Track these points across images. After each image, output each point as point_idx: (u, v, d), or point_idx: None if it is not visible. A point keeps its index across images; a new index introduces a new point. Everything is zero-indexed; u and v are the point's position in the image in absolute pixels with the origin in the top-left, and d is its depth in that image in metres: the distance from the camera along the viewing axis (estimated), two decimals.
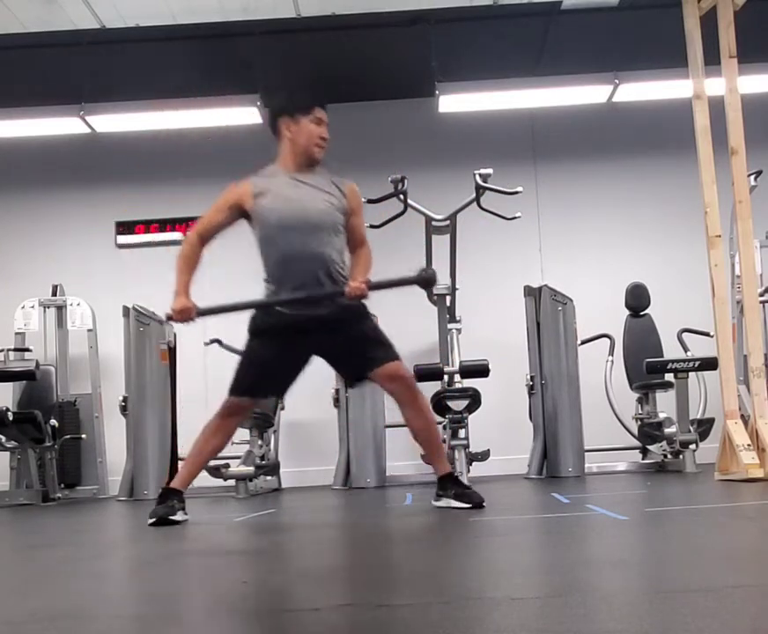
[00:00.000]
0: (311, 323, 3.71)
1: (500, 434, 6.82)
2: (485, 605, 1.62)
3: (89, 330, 7.14)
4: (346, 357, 3.83)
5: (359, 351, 3.77)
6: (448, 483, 3.84)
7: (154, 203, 7.74)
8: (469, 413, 5.91)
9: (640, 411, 6.52)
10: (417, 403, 3.82)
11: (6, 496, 6.17)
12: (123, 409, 6.39)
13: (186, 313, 3.73)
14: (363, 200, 4.02)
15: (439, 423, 6.22)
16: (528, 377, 6.36)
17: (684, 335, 6.68)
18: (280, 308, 3.74)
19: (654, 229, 7.60)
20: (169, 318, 3.81)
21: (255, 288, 3.92)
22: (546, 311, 6.37)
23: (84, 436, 6.82)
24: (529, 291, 6.48)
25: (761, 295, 5.70)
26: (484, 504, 3.73)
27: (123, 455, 6.42)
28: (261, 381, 3.79)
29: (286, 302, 3.74)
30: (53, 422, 6.42)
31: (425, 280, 3.86)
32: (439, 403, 5.89)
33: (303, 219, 3.70)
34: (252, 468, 5.73)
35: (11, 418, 5.90)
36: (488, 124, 7.50)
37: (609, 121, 7.56)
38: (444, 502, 3.83)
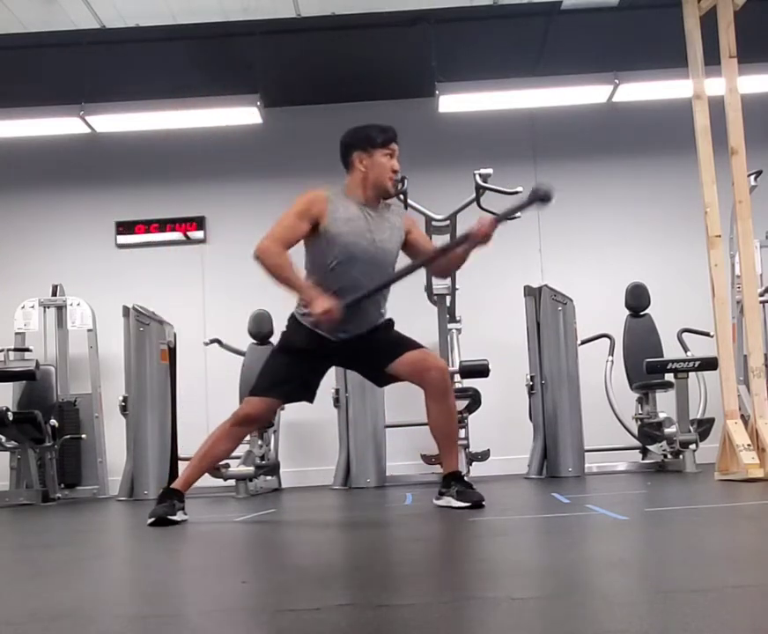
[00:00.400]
0: (350, 344, 3.75)
1: (500, 434, 6.82)
2: (485, 605, 1.62)
3: (89, 330, 7.14)
4: (369, 361, 3.86)
5: (380, 351, 3.80)
6: (452, 481, 3.85)
7: (154, 203, 7.74)
8: (469, 413, 5.92)
9: (640, 411, 6.52)
10: (449, 398, 3.83)
11: (6, 496, 6.16)
12: (123, 409, 6.39)
13: (331, 314, 3.56)
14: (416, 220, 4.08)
15: None
16: (528, 377, 6.36)
17: (684, 335, 6.68)
18: (325, 334, 3.72)
19: (654, 229, 7.60)
20: (316, 324, 3.66)
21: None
22: (546, 311, 6.37)
23: (84, 436, 6.81)
24: (529, 291, 6.48)
25: (761, 295, 5.70)
26: (484, 503, 3.73)
27: (123, 455, 6.42)
28: (284, 384, 3.79)
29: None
30: (53, 422, 6.42)
31: (542, 197, 3.69)
32: None
33: (371, 255, 3.71)
34: (252, 468, 5.73)
35: (11, 418, 5.90)
36: (488, 124, 7.50)
37: (609, 121, 7.56)
38: (444, 501, 3.83)
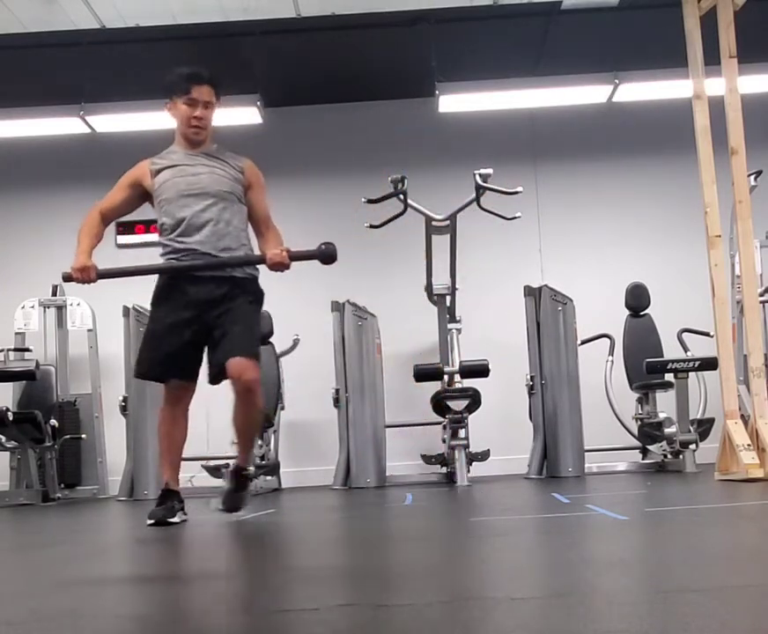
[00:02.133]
0: (204, 296, 3.73)
1: (500, 434, 6.82)
2: (485, 605, 1.62)
3: (89, 330, 7.14)
4: (213, 343, 3.75)
5: (227, 334, 3.70)
6: (234, 477, 3.82)
7: None
8: (469, 413, 5.91)
9: (640, 411, 6.52)
10: (251, 405, 3.75)
11: (6, 496, 6.17)
12: (123, 409, 6.39)
13: (86, 272, 3.78)
14: (262, 179, 4.00)
15: (439, 423, 6.26)
16: (528, 377, 6.36)
17: (684, 335, 6.68)
18: (177, 255, 3.79)
19: (654, 229, 7.60)
20: (67, 278, 3.83)
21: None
22: (546, 311, 6.37)
23: (84, 436, 6.82)
24: (529, 291, 6.48)
25: (761, 295, 5.70)
26: (240, 512, 3.75)
27: (123, 455, 6.42)
28: (160, 360, 3.80)
29: (193, 267, 3.76)
30: (53, 422, 6.42)
31: (325, 255, 3.78)
32: (439, 403, 5.90)
33: (198, 188, 3.80)
34: (252, 468, 5.72)
35: (11, 418, 5.90)
36: (488, 124, 7.50)
37: (609, 121, 7.56)
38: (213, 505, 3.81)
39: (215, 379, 3.79)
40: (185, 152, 3.90)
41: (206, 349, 3.80)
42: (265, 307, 6.57)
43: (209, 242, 3.77)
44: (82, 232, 3.89)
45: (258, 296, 3.88)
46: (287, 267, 3.75)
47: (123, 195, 3.94)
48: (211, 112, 3.89)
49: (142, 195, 3.93)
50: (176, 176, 3.84)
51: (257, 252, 3.90)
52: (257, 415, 3.90)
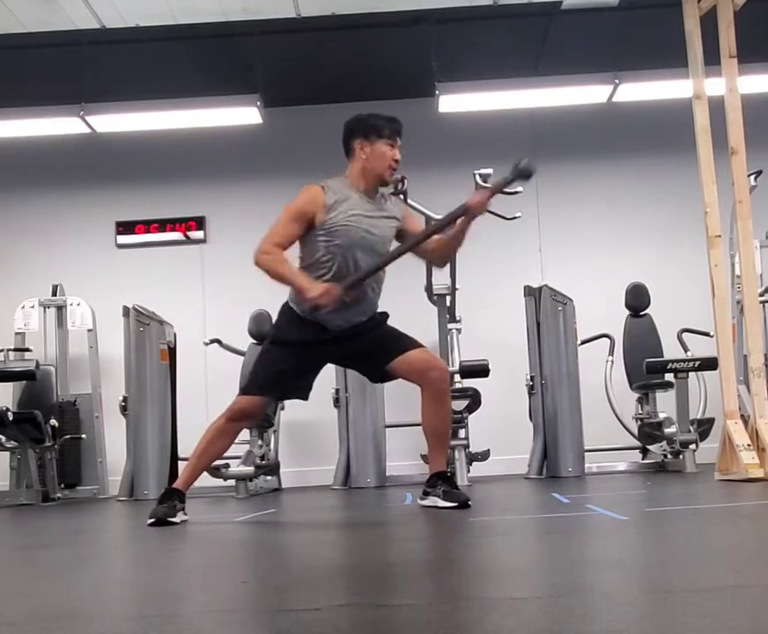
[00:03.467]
0: (345, 334, 3.74)
1: (500, 434, 6.82)
2: (485, 605, 1.62)
3: (89, 330, 7.14)
4: (368, 357, 3.85)
5: (379, 347, 3.80)
6: (439, 481, 3.84)
7: (154, 203, 7.74)
8: (469, 413, 5.92)
9: (640, 411, 6.53)
10: (447, 400, 3.86)
11: (6, 496, 6.17)
12: (123, 409, 6.39)
13: (331, 293, 3.58)
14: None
15: None
16: (528, 377, 6.36)
17: (684, 335, 6.68)
18: (322, 321, 3.71)
19: (654, 229, 7.59)
20: (315, 308, 3.62)
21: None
22: (546, 311, 6.37)
23: (84, 436, 6.81)
24: (529, 291, 6.48)
25: (761, 295, 5.70)
26: (470, 503, 3.72)
27: (123, 455, 6.42)
28: (279, 382, 3.78)
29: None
30: (53, 422, 6.42)
31: (523, 172, 3.80)
32: None
33: (367, 242, 3.73)
34: (252, 468, 5.73)
35: (11, 418, 5.90)
36: (488, 124, 7.50)
37: (609, 121, 7.56)
38: (430, 500, 3.83)
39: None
40: (359, 194, 3.78)
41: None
42: (265, 308, 6.66)
43: (361, 310, 3.76)
44: (284, 270, 3.66)
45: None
46: (488, 207, 3.84)
47: (299, 229, 3.71)
48: None
49: (310, 225, 3.73)
50: (352, 220, 3.71)
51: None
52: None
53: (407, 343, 3.82)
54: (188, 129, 7.39)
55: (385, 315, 3.91)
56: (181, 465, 4.17)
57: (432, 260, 4.17)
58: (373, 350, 3.82)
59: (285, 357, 3.74)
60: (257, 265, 3.66)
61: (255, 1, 6.28)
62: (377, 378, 4.07)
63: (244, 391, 3.82)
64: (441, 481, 3.84)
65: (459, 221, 3.83)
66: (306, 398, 3.90)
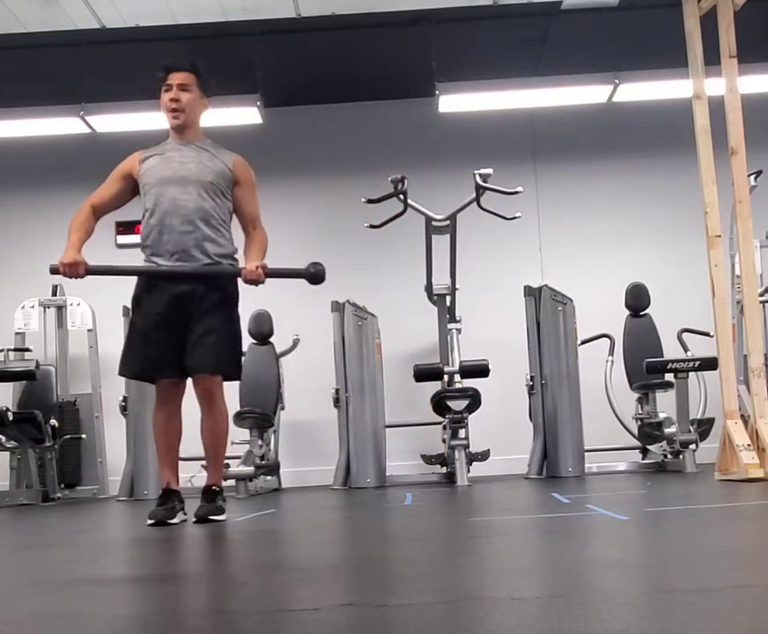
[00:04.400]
0: (185, 294, 3.74)
1: (500, 434, 6.82)
2: (485, 605, 1.62)
3: (89, 330, 7.14)
4: (189, 340, 3.78)
5: (195, 339, 3.75)
6: (209, 495, 3.82)
7: None
8: (469, 413, 5.91)
9: (640, 411, 6.52)
10: (213, 414, 3.85)
11: (6, 496, 6.17)
12: (123, 409, 6.39)
13: (74, 267, 3.78)
14: (253, 178, 4.01)
15: (439, 423, 6.26)
16: (528, 377, 6.36)
17: (684, 335, 6.68)
18: (156, 258, 3.80)
19: (654, 229, 7.59)
20: (55, 271, 3.82)
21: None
22: (546, 311, 6.37)
23: (84, 436, 6.82)
24: (529, 291, 6.48)
25: (761, 295, 5.70)
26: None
27: (123, 455, 6.42)
28: (146, 360, 3.83)
29: (171, 273, 3.76)
30: (53, 422, 6.42)
31: (313, 275, 3.86)
32: (439, 403, 5.90)
33: (181, 175, 3.82)
34: (252, 468, 5.73)
35: (11, 418, 5.90)
36: (488, 124, 7.50)
37: (609, 121, 7.56)
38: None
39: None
40: (175, 143, 3.94)
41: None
42: (265, 307, 6.66)
43: (185, 237, 3.76)
44: (72, 225, 3.90)
45: (234, 296, 3.89)
46: (262, 283, 3.79)
47: (115, 187, 3.97)
48: (189, 95, 3.91)
49: (133, 187, 3.95)
50: (161, 163, 3.87)
51: (238, 244, 3.94)
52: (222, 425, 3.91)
53: (200, 355, 3.76)
54: None
55: (233, 296, 3.85)
56: (182, 465, 4.17)
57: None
58: (197, 340, 3.75)
59: (141, 326, 3.84)
60: None
61: (255, 1, 6.27)
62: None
63: (119, 372, 4.06)
64: (206, 496, 3.83)
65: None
66: (179, 376, 3.87)
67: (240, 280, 3.84)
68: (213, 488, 3.86)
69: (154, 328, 3.78)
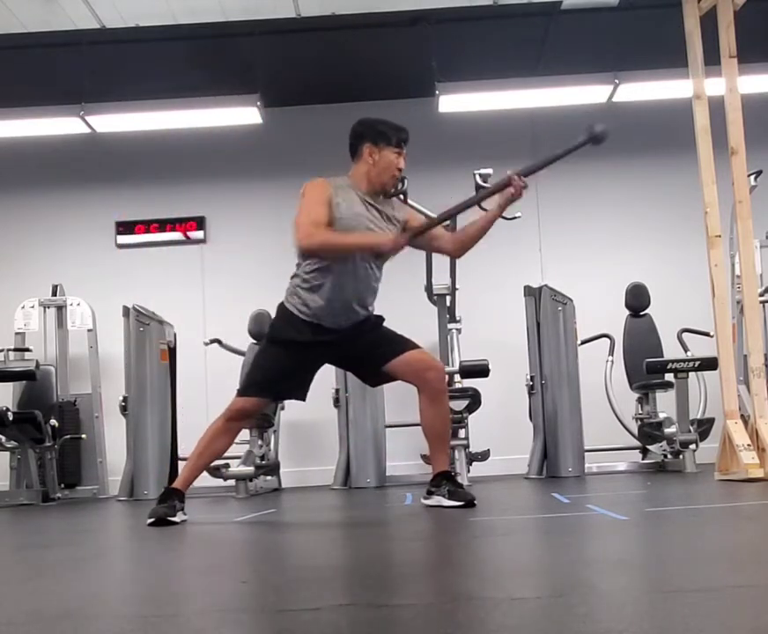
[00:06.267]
0: (338, 337, 3.74)
1: (500, 434, 6.82)
2: (485, 605, 1.62)
3: (89, 330, 7.14)
4: (365, 359, 3.86)
5: (377, 348, 3.80)
6: (443, 480, 3.85)
7: (154, 203, 7.74)
8: (469, 413, 5.92)
9: (640, 411, 6.53)
10: (442, 403, 3.86)
11: (6, 496, 6.17)
12: (123, 409, 6.39)
13: (400, 240, 3.70)
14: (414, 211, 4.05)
15: None
16: (528, 377, 6.36)
17: (684, 335, 6.68)
18: (316, 333, 3.72)
19: (654, 229, 7.60)
20: (380, 253, 3.68)
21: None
22: (546, 311, 6.37)
23: (84, 436, 6.81)
24: (529, 291, 6.48)
25: (761, 295, 5.70)
26: (476, 502, 3.73)
27: (123, 455, 6.42)
28: (276, 382, 3.77)
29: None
30: (53, 422, 6.42)
31: (596, 137, 3.81)
32: None
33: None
34: (252, 468, 5.73)
35: (11, 418, 5.89)
36: (488, 124, 7.50)
37: (609, 121, 7.49)
38: (434, 500, 3.83)
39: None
40: (359, 195, 3.77)
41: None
42: (265, 307, 6.65)
43: (354, 309, 3.74)
44: (338, 237, 3.65)
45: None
46: (526, 187, 3.98)
47: (326, 210, 3.69)
48: None
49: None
50: (353, 219, 3.70)
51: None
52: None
53: (404, 344, 3.83)
54: (188, 129, 7.39)
55: (381, 318, 3.91)
56: (181, 465, 4.17)
57: (453, 251, 4.23)
58: (370, 351, 3.82)
59: (282, 358, 3.74)
60: (304, 247, 3.65)
61: (255, 1, 6.28)
62: (374, 380, 4.08)
63: (241, 392, 3.82)
64: (446, 480, 3.85)
65: (494, 198, 3.77)
66: (303, 399, 3.90)
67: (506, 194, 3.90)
68: (448, 472, 3.95)
69: (292, 356, 3.75)
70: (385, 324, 3.91)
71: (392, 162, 3.83)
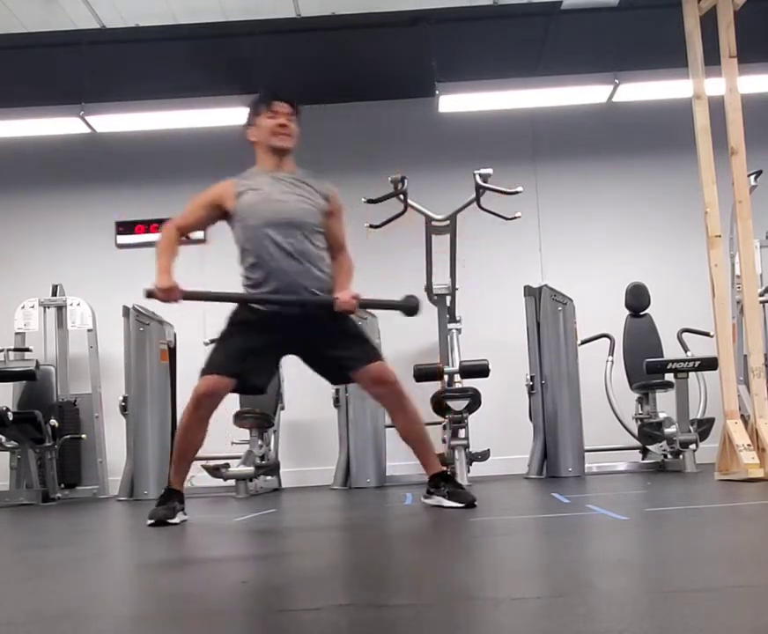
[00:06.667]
0: (289, 321, 3.72)
1: (500, 434, 6.82)
2: (485, 605, 1.62)
3: (89, 330, 7.14)
4: (324, 357, 3.82)
5: (339, 349, 3.77)
6: (441, 481, 3.84)
7: (154, 203, 7.73)
8: (469, 413, 5.91)
9: (640, 411, 6.53)
10: (406, 409, 3.83)
11: (6, 496, 6.17)
12: (123, 409, 6.39)
13: (171, 293, 3.71)
14: (344, 202, 4.00)
15: (439, 423, 6.25)
16: (528, 377, 6.36)
17: (684, 335, 6.68)
18: (258, 306, 3.76)
19: (654, 229, 7.60)
20: (150, 295, 3.76)
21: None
22: (546, 311, 6.37)
23: (84, 436, 6.82)
24: (529, 291, 6.48)
25: (761, 295, 5.70)
26: (476, 503, 3.73)
27: (123, 455, 6.42)
28: (233, 359, 3.75)
29: (271, 301, 3.74)
30: (53, 422, 6.42)
31: (410, 308, 3.94)
32: (439, 403, 5.90)
33: (284, 217, 3.75)
34: (252, 468, 5.73)
35: (11, 418, 5.90)
36: (488, 124, 7.50)
37: (609, 121, 7.56)
38: (435, 500, 3.82)
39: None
40: (270, 175, 3.84)
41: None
42: None
43: (293, 277, 3.73)
44: (161, 249, 3.81)
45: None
46: (353, 313, 3.83)
47: (201, 214, 3.86)
48: (295, 126, 3.87)
49: (220, 216, 3.86)
50: (261, 202, 3.77)
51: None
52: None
53: (368, 354, 3.78)
54: (188, 129, 7.39)
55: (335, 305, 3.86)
56: (172, 466, 4.16)
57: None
58: (335, 352, 3.77)
59: (238, 339, 3.76)
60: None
61: (255, 1, 6.28)
62: (337, 382, 4.07)
63: (204, 371, 3.81)
64: (443, 481, 3.84)
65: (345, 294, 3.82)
66: (263, 389, 3.85)
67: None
68: (444, 472, 3.94)
69: (249, 337, 3.75)
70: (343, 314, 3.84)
71: (267, 125, 3.86)
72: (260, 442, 6.08)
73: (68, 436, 6.66)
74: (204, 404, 3.75)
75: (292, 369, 6.96)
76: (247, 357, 3.73)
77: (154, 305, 6.53)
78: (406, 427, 3.85)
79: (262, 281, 3.75)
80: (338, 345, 3.78)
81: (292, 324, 3.73)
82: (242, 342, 3.74)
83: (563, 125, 7.64)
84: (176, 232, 3.86)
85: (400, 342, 7.04)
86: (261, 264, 3.75)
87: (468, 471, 5.87)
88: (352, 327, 3.88)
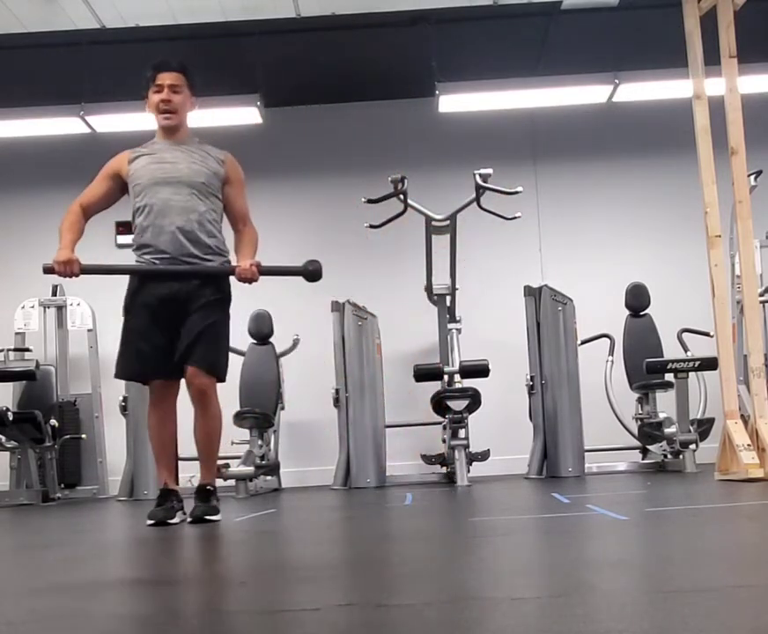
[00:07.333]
0: (178, 293, 3.74)
1: (500, 434, 6.82)
2: (485, 605, 1.62)
3: (89, 330, 7.13)
4: (181, 340, 3.77)
5: (190, 337, 3.74)
6: (200, 494, 3.80)
7: None
8: (469, 413, 5.91)
9: (640, 411, 6.52)
10: (204, 412, 3.80)
11: (6, 496, 6.17)
12: (123, 409, 6.39)
13: (69, 266, 3.73)
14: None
15: (439, 423, 6.26)
16: (528, 377, 6.36)
17: (684, 335, 6.68)
18: (152, 259, 3.79)
19: (654, 229, 7.59)
20: (49, 270, 3.77)
21: None
22: (546, 311, 6.37)
23: (84, 436, 6.81)
24: (529, 291, 6.48)
25: (761, 295, 5.70)
26: (213, 517, 3.68)
27: (123, 455, 6.42)
28: (133, 344, 3.79)
29: (168, 271, 3.75)
30: (53, 422, 6.42)
31: (311, 273, 3.91)
32: (439, 403, 5.90)
33: (173, 176, 3.82)
34: (252, 468, 5.73)
35: (11, 418, 5.90)
36: (488, 124, 7.50)
37: (609, 121, 7.56)
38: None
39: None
40: (165, 143, 3.95)
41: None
42: (266, 307, 6.66)
43: (179, 236, 3.76)
44: (63, 226, 3.88)
45: (228, 296, 3.92)
46: (256, 280, 3.82)
47: (103, 187, 3.98)
48: (180, 97, 3.95)
49: (122, 186, 3.95)
50: (152, 164, 3.88)
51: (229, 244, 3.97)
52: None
53: (195, 352, 3.74)
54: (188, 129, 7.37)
55: (225, 297, 3.89)
56: (182, 465, 4.17)
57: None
58: (187, 336, 3.74)
59: (132, 323, 3.83)
60: None
61: (255, 1, 6.28)
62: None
63: (115, 375, 3.98)
64: (197, 494, 3.81)
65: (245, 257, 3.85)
66: (167, 373, 3.79)
67: (233, 279, 3.84)
68: (207, 487, 3.85)
69: (147, 327, 3.78)
70: (221, 308, 3.88)
71: (153, 101, 3.98)
72: (260, 442, 6.08)
73: (68, 436, 6.66)
74: (156, 405, 3.83)
75: (292, 369, 7.01)
76: (145, 338, 3.75)
77: (60, 281, 6.56)
78: (197, 433, 3.83)
79: (148, 240, 3.78)
80: (193, 334, 3.74)
81: (180, 296, 3.74)
82: (138, 322, 3.79)
83: (563, 125, 7.64)
84: (79, 209, 3.94)
85: (400, 342, 7.05)
86: (149, 225, 3.79)
87: (468, 471, 5.87)
88: (213, 324, 3.83)
